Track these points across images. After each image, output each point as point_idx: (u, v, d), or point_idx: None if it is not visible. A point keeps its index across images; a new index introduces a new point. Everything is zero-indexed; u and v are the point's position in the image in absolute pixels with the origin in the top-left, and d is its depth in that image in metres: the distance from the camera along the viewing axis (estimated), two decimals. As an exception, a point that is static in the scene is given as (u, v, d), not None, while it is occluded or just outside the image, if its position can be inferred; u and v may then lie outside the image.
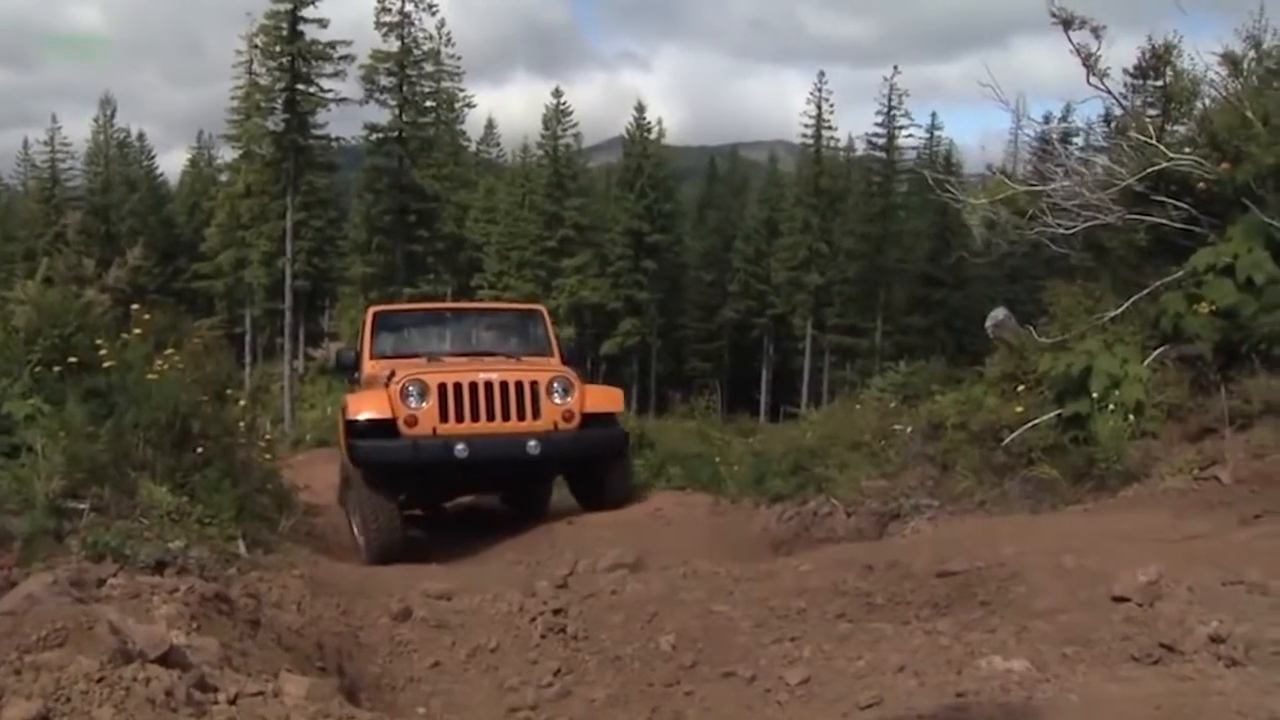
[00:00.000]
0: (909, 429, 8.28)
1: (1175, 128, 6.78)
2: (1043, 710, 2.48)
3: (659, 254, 55.93)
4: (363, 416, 9.02)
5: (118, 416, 5.86)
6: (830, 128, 57.24)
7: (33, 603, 2.44)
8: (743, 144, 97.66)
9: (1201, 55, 6.86)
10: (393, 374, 9.15)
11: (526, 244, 53.98)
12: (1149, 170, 6.34)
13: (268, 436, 9.34)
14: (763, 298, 58.65)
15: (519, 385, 9.13)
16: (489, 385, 9.04)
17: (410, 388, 8.92)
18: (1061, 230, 6.88)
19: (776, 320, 58.24)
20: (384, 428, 8.87)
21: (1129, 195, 6.57)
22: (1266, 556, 4.00)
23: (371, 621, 5.01)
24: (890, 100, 55.44)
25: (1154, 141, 6.43)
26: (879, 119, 55.88)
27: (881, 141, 56.05)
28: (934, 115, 62.38)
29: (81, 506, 4.75)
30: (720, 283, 61.93)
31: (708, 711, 3.85)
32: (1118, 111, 6.89)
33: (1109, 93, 6.92)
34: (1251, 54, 6.60)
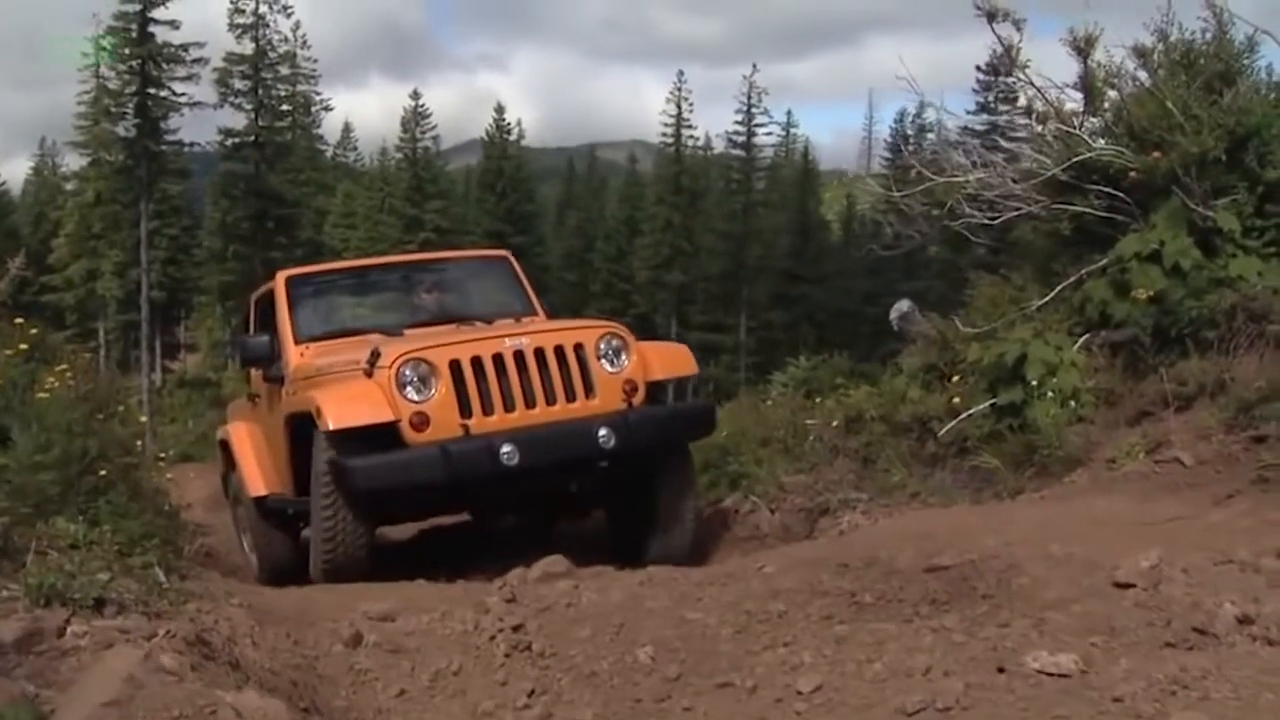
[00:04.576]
0: (833, 423, 8.27)
1: (1092, 119, 6.94)
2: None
3: (521, 256, 55.20)
4: (351, 423, 6.31)
5: (65, 444, 5.38)
6: (690, 126, 57.85)
7: (136, 687, 2.08)
8: (600, 144, 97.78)
9: (1110, 49, 7.02)
10: (376, 354, 6.48)
11: (387, 248, 52.87)
12: (1074, 160, 6.46)
13: (162, 455, 8.81)
14: (626, 297, 58.83)
15: (560, 351, 6.58)
16: (519, 355, 6.48)
17: (408, 371, 6.33)
18: (985, 221, 6.96)
19: (640, 319, 58.28)
20: (382, 435, 6.33)
21: (1052, 185, 6.69)
22: (1249, 535, 4.06)
23: (325, 650, 4.68)
24: (750, 98, 56.19)
25: (1078, 131, 6.57)
26: (739, 117, 56.62)
27: (741, 139, 56.77)
28: (789, 113, 63.78)
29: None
30: (583, 283, 61.85)
31: (716, 726, 3.70)
32: (1039, 104, 7.00)
33: (1031, 84, 7.04)
34: (1160, 47, 6.79)
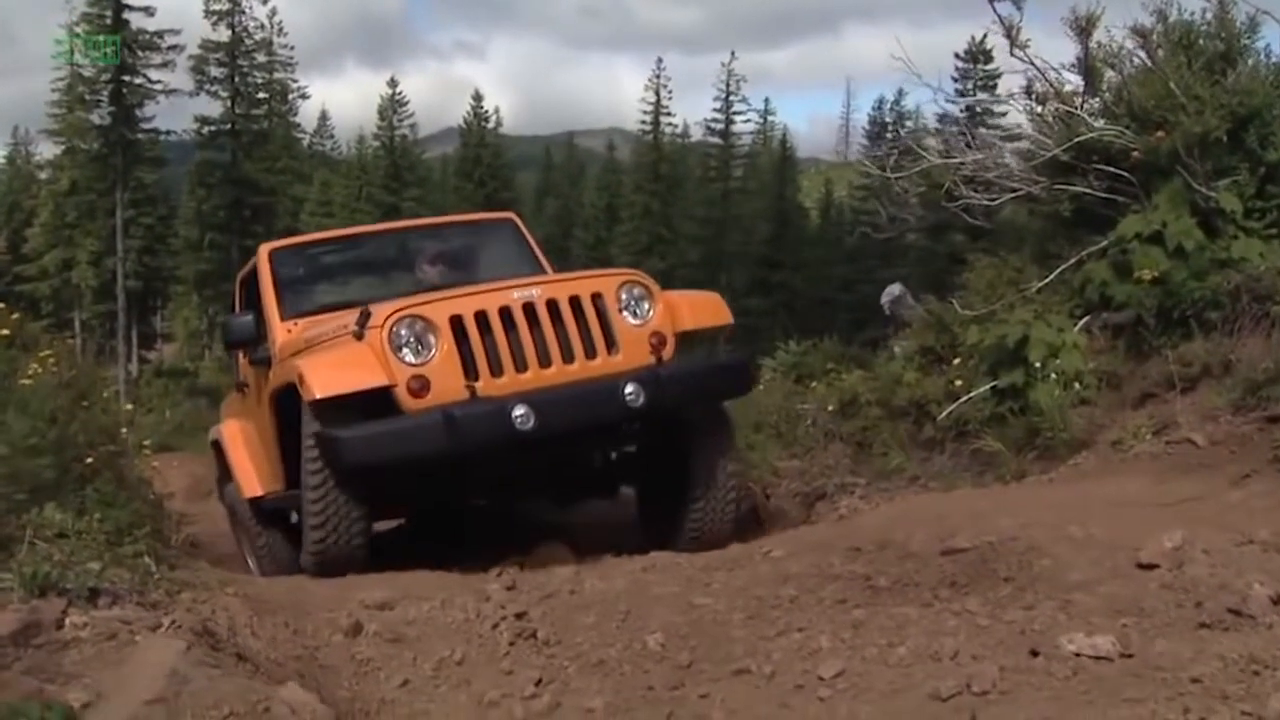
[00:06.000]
0: (828, 407, 8.20)
1: (1092, 100, 6.89)
2: None
3: (501, 243, 55.18)
4: (339, 390, 5.54)
5: (61, 426, 5.23)
6: (668, 114, 57.74)
7: (181, 682, 1.96)
8: (578, 132, 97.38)
9: (1110, 29, 6.97)
10: (366, 314, 5.69)
11: (365, 237, 52.59)
12: (1074, 140, 6.40)
13: (146, 443, 8.64)
14: (605, 285, 58.68)
15: (575, 302, 5.80)
16: (529, 308, 5.70)
17: (403, 331, 5.57)
18: (985, 203, 6.91)
19: (620, 307, 58.23)
20: (374, 403, 5.58)
21: (1052, 166, 6.63)
22: (1268, 515, 4.01)
23: (325, 640, 4.57)
24: (728, 86, 56.09)
25: (1079, 112, 6.52)
26: (717, 105, 56.56)
27: (719, 127, 56.70)
28: (767, 101, 63.65)
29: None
30: (562, 270, 61.59)
31: (734, 714, 3.61)
32: (1039, 85, 6.94)
33: (1032, 64, 6.98)
34: (1159, 28, 6.74)
